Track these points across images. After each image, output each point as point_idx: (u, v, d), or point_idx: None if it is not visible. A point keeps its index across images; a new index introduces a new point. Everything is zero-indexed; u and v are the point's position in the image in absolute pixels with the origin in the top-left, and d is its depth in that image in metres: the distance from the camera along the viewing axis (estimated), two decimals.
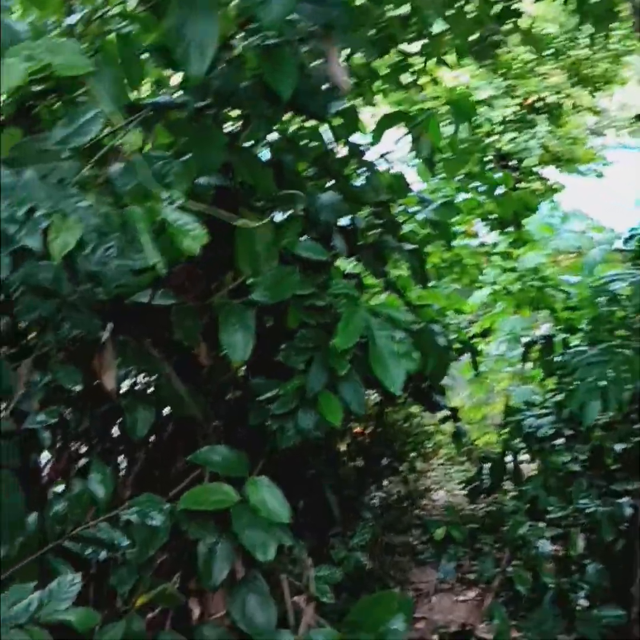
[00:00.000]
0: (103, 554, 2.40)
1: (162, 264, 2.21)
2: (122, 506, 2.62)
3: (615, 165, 13.01)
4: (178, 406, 3.37)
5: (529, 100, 11.70)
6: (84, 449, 3.38)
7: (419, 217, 4.77)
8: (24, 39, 2.21)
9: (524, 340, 6.18)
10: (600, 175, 12.53)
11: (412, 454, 6.13)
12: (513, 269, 5.87)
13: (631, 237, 5.31)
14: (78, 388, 2.71)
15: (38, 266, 2.18)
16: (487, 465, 5.30)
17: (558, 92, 11.79)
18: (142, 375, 3.55)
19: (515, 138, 11.25)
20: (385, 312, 3.26)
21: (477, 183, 5.05)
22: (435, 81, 4.97)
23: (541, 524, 4.36)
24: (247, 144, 3.42)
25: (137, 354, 3.27)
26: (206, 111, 2.84)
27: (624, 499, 4.19)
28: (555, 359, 5.00)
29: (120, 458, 3.51)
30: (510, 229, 5.20)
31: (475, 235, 5.83)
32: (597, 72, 11.66)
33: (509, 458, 5.16)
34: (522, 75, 11.56)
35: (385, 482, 5.71)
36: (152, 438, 3.61)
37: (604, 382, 3.37)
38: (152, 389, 3.52)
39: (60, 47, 1.97)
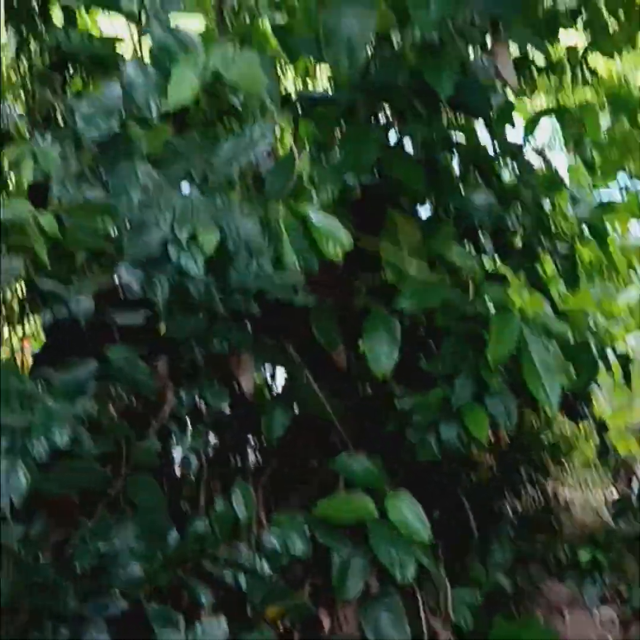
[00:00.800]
0: (242, 578, 2.29)
1: (300, 266, 2.07)
2: (262, 528, 2.51)
3: None
4: (315, 408, 3.26)
5: None
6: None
7: (572, 216, 4.49)
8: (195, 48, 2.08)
9: None
10: None
11: (552, 463, 5.83)
12: None
13: None
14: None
15: (189, 280, 2.08)
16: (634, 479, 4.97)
17: None
18: (278, 376, 3.46)
19: None
20: (540, 322, 3.04)
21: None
22: (595, 73, 4.66)
23: None
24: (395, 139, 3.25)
25: (275, 354, 3.18)
26: (359, 107, 2.68)
27: None
28: None
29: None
30: None
31: (627, 231, 5.47)
32: None
33: None
34: None
35: (522, 492, 5.45)
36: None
37: None
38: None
39: (236, 60, 1.84)
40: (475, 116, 3.18)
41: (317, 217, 2.11)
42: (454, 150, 3.43)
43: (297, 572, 3.08)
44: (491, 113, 3.19)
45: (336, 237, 2.11)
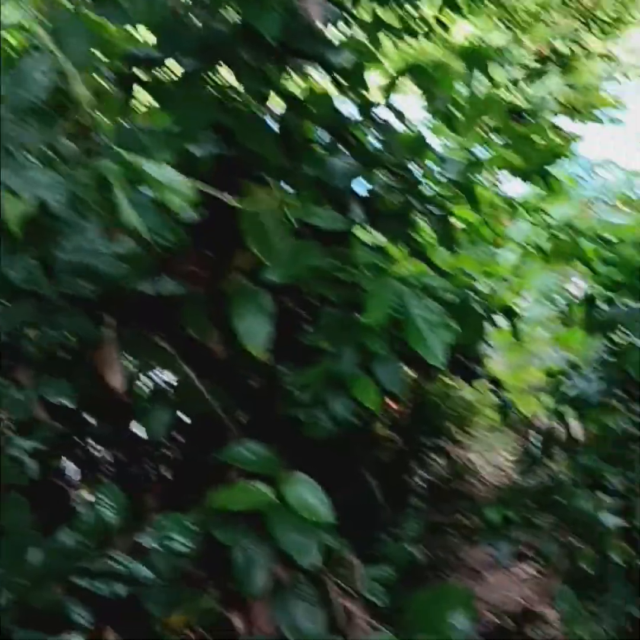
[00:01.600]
0: (120, 589, 2.10)
1: (145, 229, 1.88)
2: (141, 531, 2.33)
3: (631, 110, 12.62)
4: (196, 403, 3.09)
5: (539, 50, 11.26)
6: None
7: (440, 177, 4.43)
8: None
9: (560, 298, 5.84)
10: (616, 122, 12.11)
11: (454, 429, 5.81)
12: (543, 224, 5.51)
13: None
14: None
15: (8, 261, 1.86)
16: (536, 435, 4.97)
17: (568, 40, 11.34)
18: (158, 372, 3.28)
19: (528, 90, 10.83)
20: (418, 281, 2.94)
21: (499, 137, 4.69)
22: (445, 28, 4.62)
23: (601, 496, 4.02)
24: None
25: (146, 349, 2.99)
26: (187, 65, 2.50)
27: None
28: (600, 317, 4.66)
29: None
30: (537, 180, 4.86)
31: (497, 184, 5.45)
32: (606, 15, 11.18)
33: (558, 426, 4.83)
34: (530, 25, 11.11)
35: (428, 461, 5.41)
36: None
37: None
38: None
39: None
40: (311, 61, 3.03)
41: (154, 169, 1.91)
42: (310, 115, 3.30)
43: (200, 574, 2.91)
44: (331, 60, 3.06)
45: (179, 190, 1.92)
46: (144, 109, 2.71)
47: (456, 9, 4.57)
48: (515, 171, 4.70)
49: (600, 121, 11.55)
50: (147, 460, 3.19)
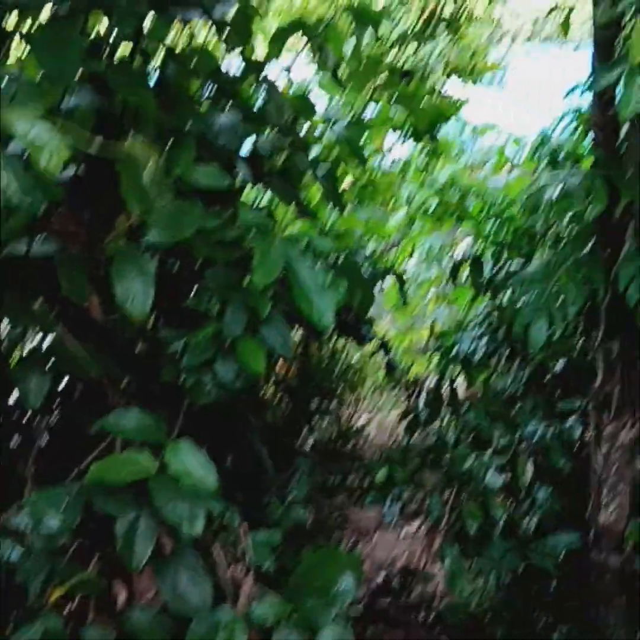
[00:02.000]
0: None
1: (15, 188, 1.74)
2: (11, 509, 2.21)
3: (516, 73, 12.84)
4: (75, 368, 2.95)
5: (427, 12, 11.26)
6: None
7: (328, 136, 4.37)
8: None
9: (447, 258, 5.90)
10: (501, 84, 12.33)
11: (342, 391, 5.82)
12: (430, 184, 5.53)
13: (543, 142, 5.03)
14: None
15: None
16: (422, 395, 5.02)
17: (454, 2, 11.36)
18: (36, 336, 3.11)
19: (416, 51, 10.82)
20: (305, 240, 2.87)
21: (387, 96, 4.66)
22: None
23: (486, 454, 4.09)
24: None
25: (21, 312, 2.83)
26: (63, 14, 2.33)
27: (571, 419, 3.95)
28: (486, 276, 4.71)
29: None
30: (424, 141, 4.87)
31: (386, 150, 5.44)
32: None
33: (444, 385, 4.88)
34: None
35: (317, 423, 5.40)
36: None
37: (549, 302, 3.08)
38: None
39: None
40: (188, 8, 2.88)
41: (20, 125, 1.76)
42: (191, 69, 3.16)
43: (84, 549, 2.81)
44: (213, 11, 2.93)
45: (50, 146, 1.78)
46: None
47: None
48: (403, 131, 4.69)
49: (485, 84, 11.70)
50: (24, 430, 3.05)
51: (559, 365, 4.21)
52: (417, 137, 4.67)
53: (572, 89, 4.41)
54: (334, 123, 4.41)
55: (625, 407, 3.64)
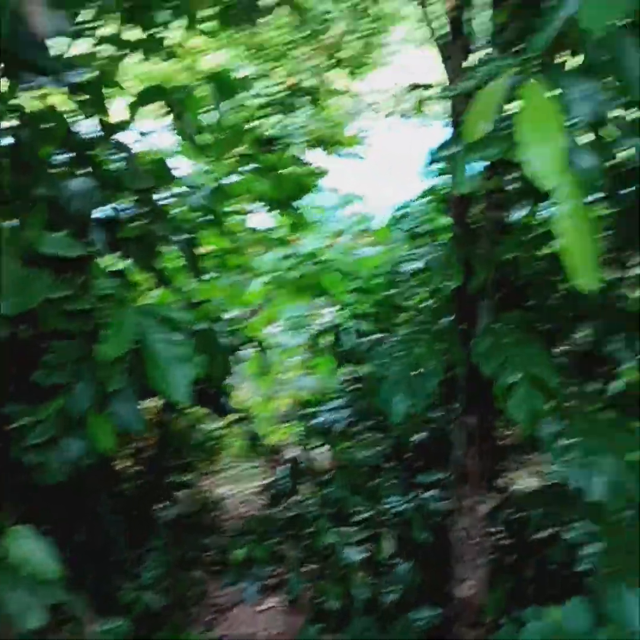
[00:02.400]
0: None
1: None
2: None
3: (376, 146, 13.22)
4: None
5: (289, 83, 11.47)
6: None
7: (188, 203, 4.30)
8: None
9: (309, 328, 5.88)
10: (361, 158, 12.65)
11: (202, 461, 5.65)
12: (291, 255, 5.52)
13: (403, 216, 5.13)
14: None
15: None
16: (284, 466, 4.93)
17: (317, 75, 11.65)
18: None
19: (279, 121, 10.97)
20: (160, 312, 2.77)
21: (249, 165, 4.64)
22: (196, 54, 4.52)
23: (347, 528, 4.02)
24: None
25: None
26: None
27: (432, 492, 3.95)
28: (347, 347, 4.71)
29: None
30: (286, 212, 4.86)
31: (246, 213, 5.39)
32: (352, 54, 11.61)
33: (306, 456, 4.80)
34: (280, 57, 11.30)
35: (176, 497, 5.20)
36: None
37: (410, 374, 3.07)
38: None
39: None
40: (41, 74, 2.79)
41: None
42: (43, 133, 3.04)
43: None
44: (64, 75, 2.84)
45: None
46: None
47: (204, 33, 4.46)
48: (265, 201, 4.66)
49: (346, 156, 11.97)
50: None
51: (421, 437, 4.21)
52: (279, 207, 4.66)
53: (429, 163, 4.51)
54: (195, 190, 4.36)
55: (483, 480, 3.66)
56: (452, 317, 3.48)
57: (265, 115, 10.77)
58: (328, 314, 5.88)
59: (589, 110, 1.46)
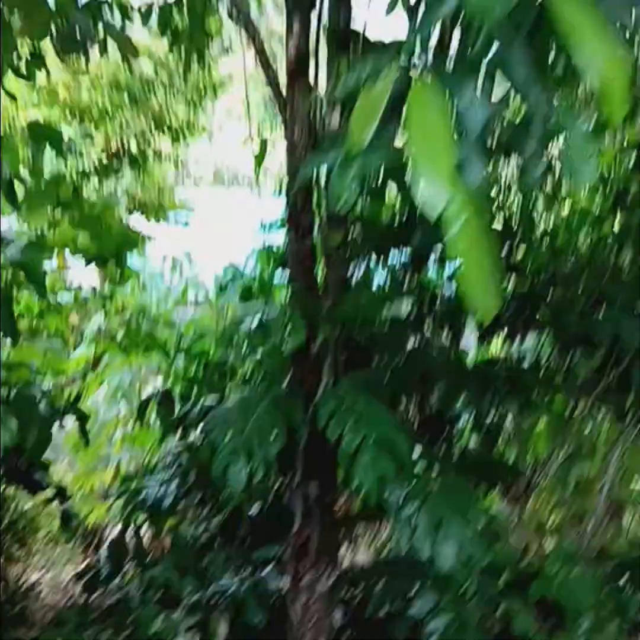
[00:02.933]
0: None
1: None
2: None
3: (203, 213, 13.14)
4: None
5: (110, 147, 11.13)
6: None
7: (2, 259, 3.92)
8: None
9: (134, 396, 5.53)
10: (186, 224, 12.54)
11: (10, 545, 5.11)
12: (118, 311, 5.18)
13: (234, 277, 4.94)
14: None
15: None
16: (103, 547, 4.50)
17: (140, 140, 11.37)
18: None
19: (100, 186, 10.58)
20: None
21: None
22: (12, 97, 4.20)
23: (176, 612, 3.64)
24: None
25: None
26: None
27: (267, 569, 3.66)
28: (176, 414, 4.39)
29: None
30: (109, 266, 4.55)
31: (64, 268, 5.00)
32: (176, 120, 11.43)
33: (128, 535, 4.38)
34: (101, 120, 10.96)
35: None
36: None
37: (250, 440, 2.81)
38: None
39: None
40: None
41: None
42: None
43: None
44: None
45: None
46: None
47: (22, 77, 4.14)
48: (88, 256, 4.34)
49: (172, 223, 11.75)
50: None
51: (254, 510, 3.93)
52: (102, 262, 4.34)
53: (266, 226, 4.37)
54: (9, 243, 3.99)
55: (324, 554, 3.42)
56: (291, 379, 3.28)
57: (86, 177, 10.39)
58: (156, 380, 5.57)
59: (480, 118, 1.32)
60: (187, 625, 3.54)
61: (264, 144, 3.55)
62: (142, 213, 11.03)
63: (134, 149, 11.55)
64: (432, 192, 1.08)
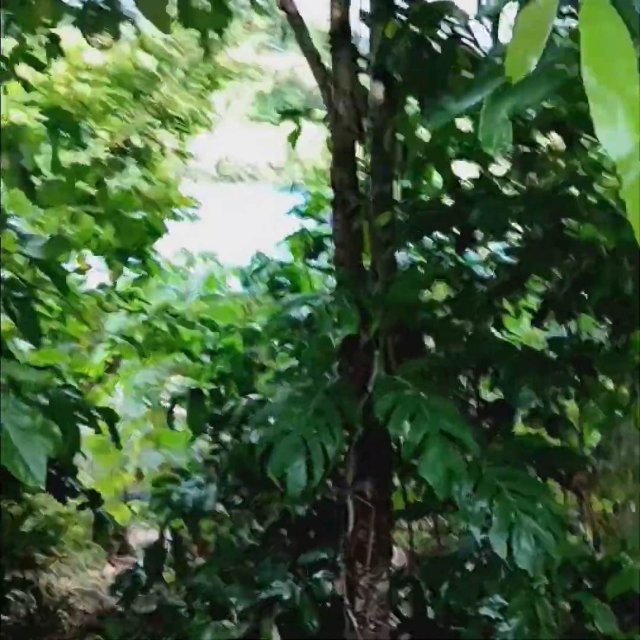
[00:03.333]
0: None
1: None
2: None
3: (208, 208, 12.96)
4: None
5: (115, 142, 10.87)
6: None
7: (21, 257, 3.72)
8: None
9: (159, 396, 5.34)
10: (194, 218, 12.30)
11: (41, 555, 4.91)
12: (140, 311, 4.96)
13: (258, 270, 4.74)
14: None
15: None
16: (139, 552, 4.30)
17: (145, 134, 11.12)
18: None
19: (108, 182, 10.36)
20: (6, 376, 2.21)
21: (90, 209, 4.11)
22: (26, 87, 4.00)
23: (227, 623, 3.43)
24: None
25: None
26: None
27: (320, 573, 3.45)
28: (206, 414, 4.19)
29: None
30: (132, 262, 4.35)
31: (87, 269, 4.78)
32: (181, 112, 11.18)
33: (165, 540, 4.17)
34: (103, 115, 10.69)
35: (11, 597, 4.46)
36: None
37: (308, 437, 2.60)
38: None
39: None
40: None
41: None
42: None
43: None
44: None
45: None
46: None
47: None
48: (107, 252, 4.14)
49: (178, 218, 11.53)
50: None
51: (301, 511, 3.72)
52: (124, 258, 4.14)
53: (294, 209, 4.18)
54: (28, 240, 3.78)
55: (380, 556, 3.22)
56: (340, 371, 3.07)
57: (90, 173, 10.15)
58: (180, 379, 5.38)
59: None
60: (239, 634, 3.34)
61: (297, 123, 3.35)
62: (151, 208, 10.80)
63: (138, 144, 11.32)
64: (615, 130, 0.88)
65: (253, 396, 3.85)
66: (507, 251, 3.44)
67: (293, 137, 3.32)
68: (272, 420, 2.77)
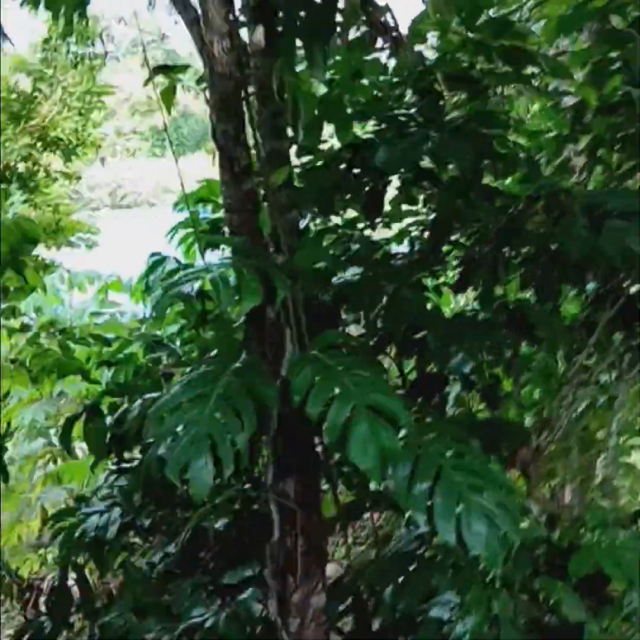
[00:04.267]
0: None
1: None
2: None
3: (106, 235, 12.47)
4: None
5: None
6: None
7: None
8: None
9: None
10: (91, 246, 11.75)
11: None
12: (24, 328, 4.44)
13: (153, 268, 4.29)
14: None
15: None
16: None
17: (27, 158, 10.53)
18: None
19: None
20: None
21: None
22: None
23: None
24: None
25: None
26: None
27: (248, 592, 3.01)
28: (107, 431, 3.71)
29: None
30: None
31: None
32: (63, 132, 10.61)
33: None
34: None
35: None
36: None
37: (213, 429, 2.17)
38: None
39: None
40: None
41: None
42: None
43: None
44: None
45: None
46: None
47: None
48: None
49: (72, 245, 10.98)
50: None
51: (219, 524, 3.28)
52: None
53: (185, 197, 3.76)
54: None
55: (312, 565, 2.80)
56: (248, 351, 2.66)
57: None
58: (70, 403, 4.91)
59: None
60: None
61: (172, 79, 2.94)
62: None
63: (21, 167, 10.71)
64: None
65: (149, 395, 3.39)
66: (425, 201, 3.10)
67: (166, 95, 2.91)
68: (166, 416, 2.34)
